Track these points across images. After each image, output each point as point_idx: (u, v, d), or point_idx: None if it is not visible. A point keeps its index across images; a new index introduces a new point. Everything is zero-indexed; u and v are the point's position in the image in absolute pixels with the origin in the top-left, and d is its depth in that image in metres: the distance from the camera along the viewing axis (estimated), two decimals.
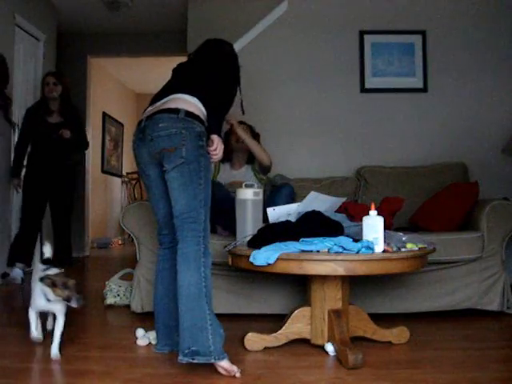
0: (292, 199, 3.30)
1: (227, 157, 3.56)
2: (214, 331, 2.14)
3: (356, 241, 2.34)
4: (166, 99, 2.27)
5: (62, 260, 4.26)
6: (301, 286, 2.97)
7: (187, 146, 2.16)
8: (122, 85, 9.58)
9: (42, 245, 4.37)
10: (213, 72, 2.47)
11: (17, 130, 4.63)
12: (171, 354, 2.49)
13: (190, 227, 2.16)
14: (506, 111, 4.15)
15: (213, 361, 2.12)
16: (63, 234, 4.74)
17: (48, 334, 2.65)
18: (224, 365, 2.14)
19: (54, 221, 4.74)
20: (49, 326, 2.74)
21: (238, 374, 2.13)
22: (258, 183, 3.47)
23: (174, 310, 2.22)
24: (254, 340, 2.50)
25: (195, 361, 2.11)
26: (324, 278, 2.48)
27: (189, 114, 2.19)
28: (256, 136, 3.65)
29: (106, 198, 8.71)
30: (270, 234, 2.48)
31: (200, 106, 2.26)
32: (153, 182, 2.33)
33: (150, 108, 2.32)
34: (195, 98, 2.26)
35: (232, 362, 2.23)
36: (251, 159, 3.62)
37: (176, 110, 2.20)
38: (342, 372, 2.20)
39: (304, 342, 2.54)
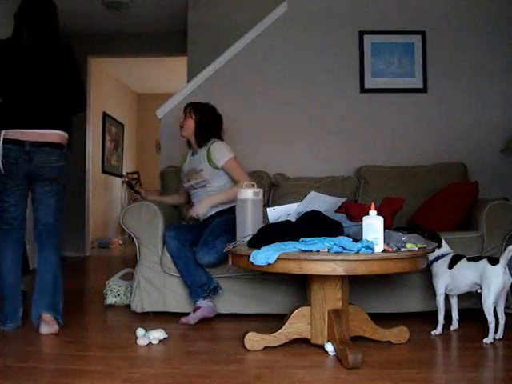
0: None
1: (188, 144, 3.49)
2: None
3: (356, 241, 2.35)
4: (46, 131, 2.80)
5: None
6: (301, 286, 2.97)
7: (66, 176, 2.91)
8: (123, 85, 9.59)
9: None
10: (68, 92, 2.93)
11: None
12: (170, 353, 2.50)
13: (52, 236, 2.90)
14: (506, 111, 4.14)
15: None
16: None
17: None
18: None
19: None
20: None
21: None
22: (209, 169, 3.30)
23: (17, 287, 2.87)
24: (254, 340, 2.51)
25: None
26: (324, 278, 2.49)
27: (67, 147, 2.90)
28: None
29: (106, 198, 8.71)
30: (269, 233, 2.48)
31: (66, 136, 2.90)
32: (20, 194, 2.85)
33: (31, 131, 2.78)
34: (64, 133, 2.88)
35: (231, 361, 2.25)
36: (202, 141, 3.37)
37: (60, 146, 2.85)
38: (341, 372, 2.20)
39: (304, 341, 2.54)
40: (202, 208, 3.23)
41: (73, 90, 2.93)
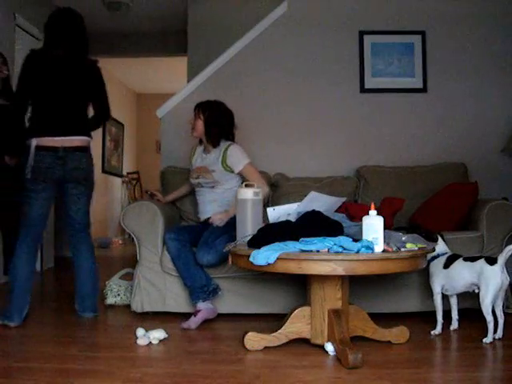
0: None
1: (200, 140, 3.47)
2: None
3: (356, 241, 2.35)
4: (75, 137, 3.04)
5: None
6: (301, 286, 2.97)
7: (93, 176, 3.20)
8: (123, 85, 9.58)
9: None
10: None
11: None
12: (170, 353, 2.50)
13: (88, 231, 3.22)
14: (506, 111, 4.14)
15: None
16: None
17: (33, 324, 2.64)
18: None
19: None
20: None
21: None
22: (222, 171, 3.31)
23: (29, 283, 3.03)
24: (254, 339, 2.51)
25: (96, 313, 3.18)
26: (324, 278, 2.49)
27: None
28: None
29: (106, 198, 8.71)
30: (269, 233, 2.48)
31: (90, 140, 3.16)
32: (47, 195, 3.05)
33: (62, 138, 2.99)
34: (88, 137, 3.12)
35: (232, 361, 2.26)
36: (214, 141, 3.36)
37: (87, 150, 3.11)
38: (341, 371, 2.21)
39: (304, 341, 2.54)
40: (228, 216, 3.21)
41: (100, 102, 3.20)
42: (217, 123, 3.36)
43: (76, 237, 3.19)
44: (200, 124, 3.37)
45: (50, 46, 3.08)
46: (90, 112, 3.23)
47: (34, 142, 2.99)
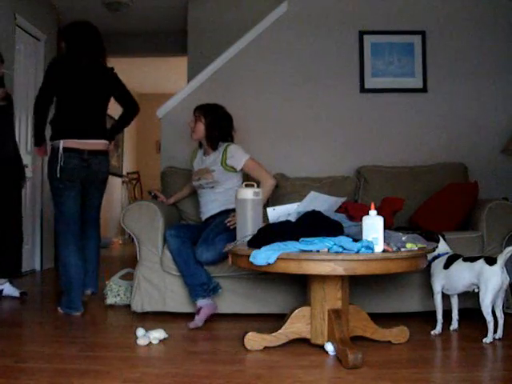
0: None
1: (201, 143, 3.50)
2: None
3: (356, 241, 2.35)
4: (97, 141, 3.33)
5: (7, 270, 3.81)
6: (301, 286, 2.97)
7: (108, 176, 3.54)
8: None
9: None
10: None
11: None
12: (170, 353, 2.50)
13: (98, 224, 3.59)
14: (506, 111, 4.14)
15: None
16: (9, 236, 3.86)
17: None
18: None
19: None
20: None
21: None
22: (222, 171, 3.33)
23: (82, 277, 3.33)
24: (254, 339, 2.51)
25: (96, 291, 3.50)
26: (324, 278, 2.49)
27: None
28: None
29: (106, 198, 8.65)
30: (269, 233, 2.48)
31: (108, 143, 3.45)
32: (76, 191, 3.31)
33: (86, 141, 3.27)
34: (106, 141, 3.41)
35: (232, 361, 2.26)
36: (214, 143, 3.39)
37: (107, 153, 3.44)
38: (341, 371, 2.21)
39: (304, 341, 2.55)
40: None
41: (126, 98, 3.50)
42: (218, 127, 3.39)
43: (86, 227, 3.45)
44: (201, 127, 3.39)
45: (75, 56, 3.32)
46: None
47: (61, 143, 3.21)
